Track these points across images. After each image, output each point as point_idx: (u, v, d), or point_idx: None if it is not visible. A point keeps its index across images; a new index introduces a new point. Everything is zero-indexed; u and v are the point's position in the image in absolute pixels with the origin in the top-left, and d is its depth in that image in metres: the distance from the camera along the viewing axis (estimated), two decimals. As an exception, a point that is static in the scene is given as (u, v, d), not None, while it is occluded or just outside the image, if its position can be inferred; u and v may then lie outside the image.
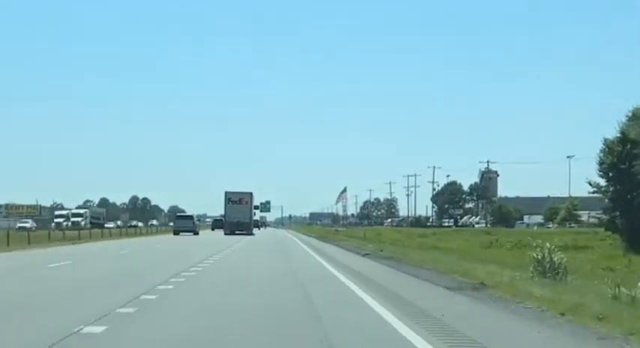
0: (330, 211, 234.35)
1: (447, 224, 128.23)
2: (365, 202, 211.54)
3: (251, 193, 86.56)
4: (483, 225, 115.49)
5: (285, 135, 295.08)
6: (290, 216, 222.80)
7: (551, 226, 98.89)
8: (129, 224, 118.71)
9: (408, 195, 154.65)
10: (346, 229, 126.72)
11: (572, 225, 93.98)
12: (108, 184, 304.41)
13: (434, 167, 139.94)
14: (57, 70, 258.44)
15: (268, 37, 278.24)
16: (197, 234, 77.32)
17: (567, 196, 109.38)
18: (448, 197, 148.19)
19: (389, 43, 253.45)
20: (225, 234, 76.26)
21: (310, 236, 76.05)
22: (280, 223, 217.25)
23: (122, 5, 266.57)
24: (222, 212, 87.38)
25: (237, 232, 77.07)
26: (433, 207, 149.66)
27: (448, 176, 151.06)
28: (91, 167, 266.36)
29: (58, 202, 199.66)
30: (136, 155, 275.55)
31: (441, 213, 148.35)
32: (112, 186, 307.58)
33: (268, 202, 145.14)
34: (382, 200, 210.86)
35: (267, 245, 48.52)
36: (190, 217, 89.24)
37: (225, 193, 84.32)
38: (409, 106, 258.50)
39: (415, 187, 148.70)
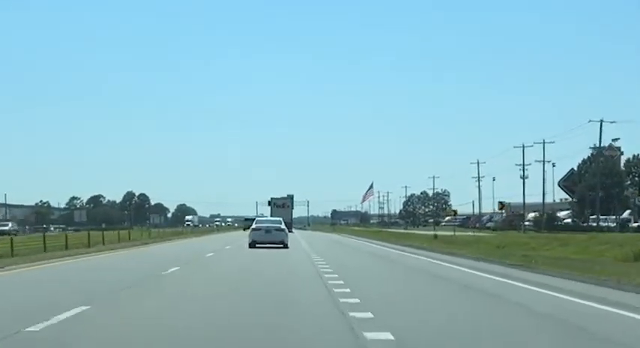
0: (355, 209, 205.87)
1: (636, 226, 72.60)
2: (410, 197, 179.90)
3: (292, 197, 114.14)
4: None
5: (304, 130, 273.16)
6: (334, 212, 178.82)
7: None
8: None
9: (523, 178, 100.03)
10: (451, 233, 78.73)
11: None
12: (101, 181, 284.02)
13: (588, 121, 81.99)
14: (62, 69, 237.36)
15: (282, 38, 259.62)
16: None
17: None
18: (590, 181, 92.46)
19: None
20: None
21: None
22: (306, 223, 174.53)
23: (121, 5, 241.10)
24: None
25: None
26: (569, 199, 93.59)
27: (603, 146, 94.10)
28: (81, 164, 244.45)
29: (45, 201, 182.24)
30: (135, 152, 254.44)
31: (582, 207, 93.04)
32: (105, 183, 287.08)
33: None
34: (430, 195, 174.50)
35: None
36: (254, 219, 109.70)
37: (271, 198, 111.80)
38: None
39: (544, 162, 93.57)
